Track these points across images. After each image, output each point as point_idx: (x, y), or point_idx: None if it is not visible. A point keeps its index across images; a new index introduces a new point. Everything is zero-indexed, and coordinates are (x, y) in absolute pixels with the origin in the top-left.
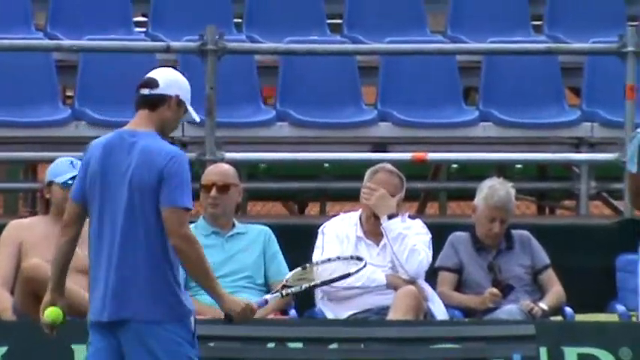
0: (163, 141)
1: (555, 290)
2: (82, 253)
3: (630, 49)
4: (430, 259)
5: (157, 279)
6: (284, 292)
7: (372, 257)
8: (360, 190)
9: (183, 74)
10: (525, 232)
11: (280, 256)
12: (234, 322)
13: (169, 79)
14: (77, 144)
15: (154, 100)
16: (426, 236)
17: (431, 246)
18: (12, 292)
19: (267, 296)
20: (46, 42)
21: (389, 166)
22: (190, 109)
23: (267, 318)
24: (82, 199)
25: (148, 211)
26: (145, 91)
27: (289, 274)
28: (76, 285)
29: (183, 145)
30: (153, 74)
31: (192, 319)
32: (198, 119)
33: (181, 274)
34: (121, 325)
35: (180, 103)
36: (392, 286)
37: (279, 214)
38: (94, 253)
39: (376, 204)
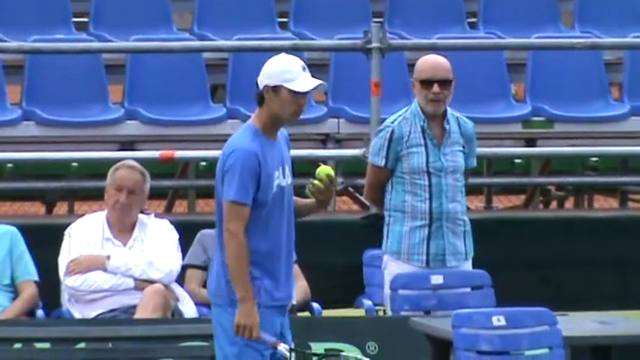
0: (243, 136)
1: (300, 285)
2: None
3: (375, 45)
4: (180, 261)
5: (220, 264)
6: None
7: None
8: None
9: None
10: None
11: (27, 256)
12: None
13: (261, 74)
14: None
15: (257, 98)
16: (174, 237)
17: (179, 246)
18: None
19: (281, 346)
20: None
21: (130, 162)
22: (293, 84)
23: (13, 319)
24: None
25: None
26: None
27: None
28: None
29: None
30: None
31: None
32: (304, 89)
33: None
34: None
35: (274, 89)
36: (140, 287)
37: (26, 213)
38: None
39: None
